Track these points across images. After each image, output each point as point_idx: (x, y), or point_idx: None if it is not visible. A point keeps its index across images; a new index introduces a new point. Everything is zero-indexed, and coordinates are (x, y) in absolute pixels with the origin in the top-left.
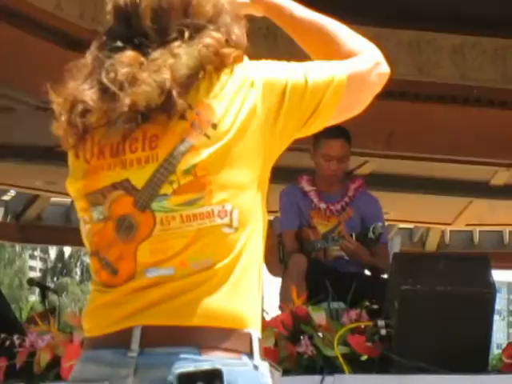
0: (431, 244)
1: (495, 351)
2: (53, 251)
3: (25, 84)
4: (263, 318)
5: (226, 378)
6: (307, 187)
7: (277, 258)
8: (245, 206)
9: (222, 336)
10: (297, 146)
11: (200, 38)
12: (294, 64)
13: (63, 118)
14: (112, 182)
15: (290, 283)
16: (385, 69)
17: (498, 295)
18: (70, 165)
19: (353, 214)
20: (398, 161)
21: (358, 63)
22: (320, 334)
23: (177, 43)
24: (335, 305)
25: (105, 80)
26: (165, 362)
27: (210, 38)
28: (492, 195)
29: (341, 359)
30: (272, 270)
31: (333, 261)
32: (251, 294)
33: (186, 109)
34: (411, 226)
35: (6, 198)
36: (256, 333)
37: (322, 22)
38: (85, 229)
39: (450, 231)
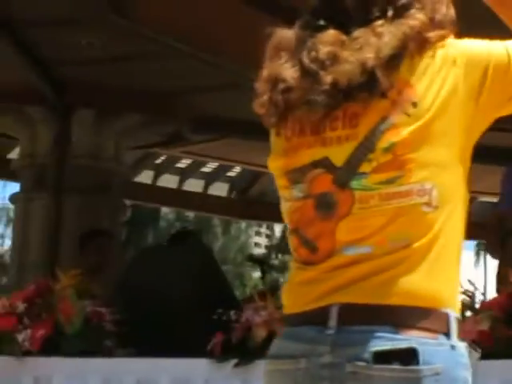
0: None
1: None
2: (278, 228)
3: (250, 59)
4: (482, 301)
5: (422, 357)
6: None
7: (497, 239)
8: (445, 184)
9: (419, 315)
10: None
11: (404, 18)
12: (496, 41)
13: (265, 97)
14: (312, 160)
15: (506, 267)
16: None
17: None
18: (272, 142)
19: None
20: None
21: None
22: None
23: (380, 22)
24: None
25: (306, 59)
26: (361, 339)
27: (415, 18)
28: None
29: None
30: (493, 252)
31: None
32: (449, 273)
33: (388, 88)
34: None
35: (231, 174)
36: (454, 312)
37: None
38: (285, 206)
39: None
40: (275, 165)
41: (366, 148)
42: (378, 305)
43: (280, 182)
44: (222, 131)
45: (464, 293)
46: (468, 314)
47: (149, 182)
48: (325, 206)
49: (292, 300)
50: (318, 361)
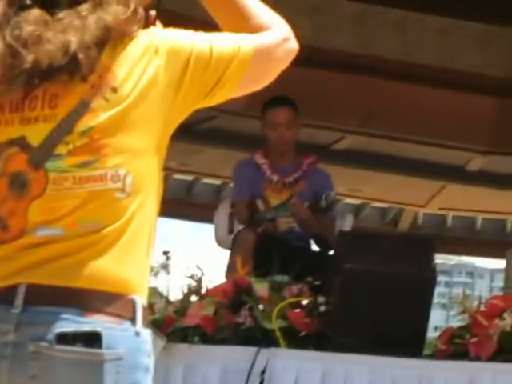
0: (403, 225)
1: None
2: None
3: None
4: (206, 287)
5: (105, 341)
6: (260, 160)
7: (226, 230)
8: (139, 171)
9: (106, 300)
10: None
11: (108, 4)
12: (201, 33)
13: None
14: (8, 139)
15: (236, 256)
16: (292, 45)
17: (480, 281)
18: None
19: (305, 188)
20: (374, 139)
21: (265, 37)
22: (261, 306)
23: (85, 6)
24: (279, 278)
25: (9, 37)
26: (46, 320)
27: (118, 3)
28: (467, 180)
29: (278, 332)
30: (220, 242)
31: (282, 233)
32: (139, 260)
33: (88, 72)
34: (385, 205)
35: None
36: (140, 299)
37: None
38: None
39: (424, 213)
40: None
41: (63, 130)
42: (66, 287)
43: None
44: None
45: (191, 277)
46: (194, 298)
47: None
48: (18, 184)
49: None
50: (1, 339)
